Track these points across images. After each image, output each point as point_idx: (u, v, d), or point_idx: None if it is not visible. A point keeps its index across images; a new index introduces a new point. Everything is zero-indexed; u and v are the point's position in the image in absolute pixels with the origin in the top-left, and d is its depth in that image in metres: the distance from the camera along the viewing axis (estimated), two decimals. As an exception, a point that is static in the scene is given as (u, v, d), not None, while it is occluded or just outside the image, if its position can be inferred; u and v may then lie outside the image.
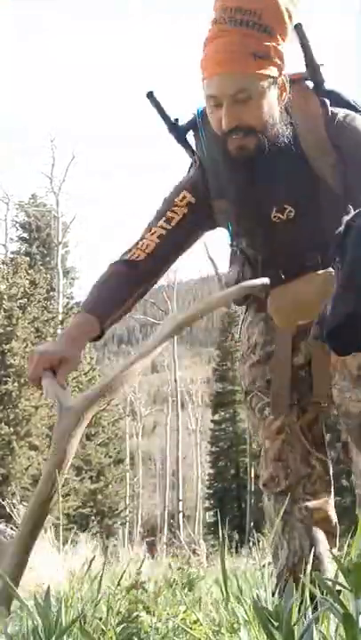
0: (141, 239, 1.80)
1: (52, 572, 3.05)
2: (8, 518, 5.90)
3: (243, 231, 1.85)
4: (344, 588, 0.84)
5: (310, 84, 1.78)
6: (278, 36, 1.63)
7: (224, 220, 1.85)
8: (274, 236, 1.76)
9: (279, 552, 1.84)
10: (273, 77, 1.64)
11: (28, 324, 15.79)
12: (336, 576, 1.03)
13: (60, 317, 19.37)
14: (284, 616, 0.83)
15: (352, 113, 1.73)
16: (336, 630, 1.10)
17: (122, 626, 1.59)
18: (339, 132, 1.69)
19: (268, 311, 1.82)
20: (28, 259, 20.25)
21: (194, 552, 6.95)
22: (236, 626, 1.46)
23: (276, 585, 1.81)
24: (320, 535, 1.82)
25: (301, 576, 1.45)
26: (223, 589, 1.70)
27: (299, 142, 1.69)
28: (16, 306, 15.61)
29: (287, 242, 1.75)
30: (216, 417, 27.36)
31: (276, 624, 0.83)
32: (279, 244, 1.76)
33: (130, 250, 1.79)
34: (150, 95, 1.85)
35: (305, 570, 1.51)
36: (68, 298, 24.78)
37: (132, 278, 1.78)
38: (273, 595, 1.53)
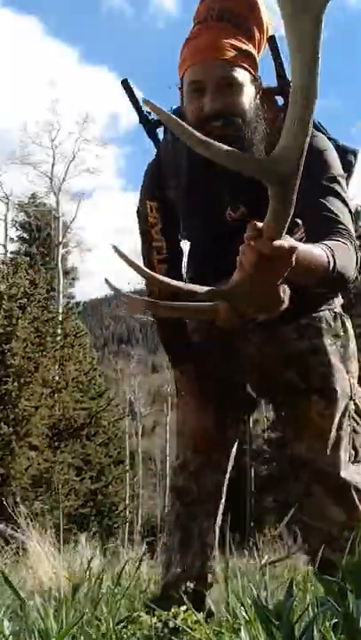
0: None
1: (51, 572, 3.05)
2: (8, 518, 5.89)
3: (194, 227, 1.86)
4: (345, 587, 0.84)
5: (280, 99, 1.83)
6: (257, 44, 1.69)
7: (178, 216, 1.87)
8: (224, 234, 1.71)
9: (171, 565, 1.87)
10: (252, 74, 1.68)
11: (28, 323, 15.77)
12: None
13: (60, 317, 19.35)
14: (284, 615, 0.83)
15: (316, 134, 1.74)
16: (336, 630, 1.10)
17: (121, 625, 1.59)
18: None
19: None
20: (28, 259, 20.23)
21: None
22: (236, 626, 1.45)
23: (161, 595, 1.84)
24: (214, 553, 1.87)
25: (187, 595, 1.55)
26: (224, 589, 1.70)
27: (261, 148, 1.68)
28: (16, 306, 15.60)
29: (236, 241, 1.77)
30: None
31: (276, 623, 0.83)
32: (229, 242, 1.76)
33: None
34: (125, 83, 1.86)
35: (194, 587, 1.58)
36: (68, 298, 24.80)
37: None
38: (157, 605, 1.57)
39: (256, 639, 1.20)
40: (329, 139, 1.80)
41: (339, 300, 1.94)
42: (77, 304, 24.75)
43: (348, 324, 1.88)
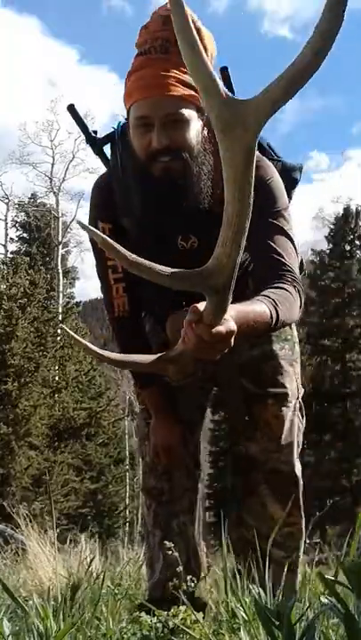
0: (111, 300, 1.92)
1: (51, 572, 3.04)
2: (8, 518, 5.89)
3: (145, 254, 1.88)
4: (345, 587, 0.84)
5: None
6: None
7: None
8: (175, 263, 1.73)
9: (155, 565, 1.90)
10: (198, 108, 1.70)
11: (28, 324, 15.77)
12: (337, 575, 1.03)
13: (60, 317, 19.36)
14: (285, 615, 0.83)
15: (257, 158, 1.77)
16: (337, 630, 1.09)
17: (121, 625, 1.58)
18: None
19: (167, 332, 1.89)
20: (28, 259, 20.25)
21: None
22: (235, 626, 1.45)
23: (149, 597, 1.86)
24: (199, 549, 1.90)
25: (174, 591, 1.58)
26: (223, 589, 1.69)
27: (208, 182, 1.72)
28: (16, 306, 15.60)
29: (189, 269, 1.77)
30: (216, 417, 27.33)
31: (277, 623, 0.83)
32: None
33: (113, 307, 1.93)
34: (70, 108, 1.94)
35: (179, 584, 1.62)
36: (68, 298, 24.78)
37: (138, 329, 1.98)
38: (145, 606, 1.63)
39: (256, 639, 1.20)
40: (273, 160, 1.87)
41: None
42: (77, 304, 24.72)
43: (294, 325, 1.98)
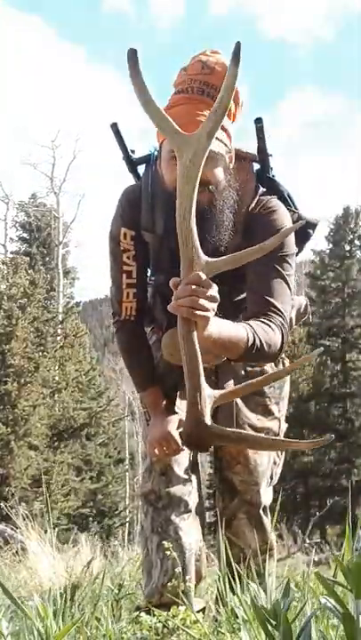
0: (120, 303, 2.02)
1: (51, 572, 3.05)
2: (7, 518, 5.90)
3: (161, 267, 2.00)
4: (344, 587, 0.84)
5: (256, 165, 2.01)
6: (232, 116, 1.87)
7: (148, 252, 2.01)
8: None
9: (152, 571, 1.92)
10: (227, 147, 1.84)
11: (28, 323, 15.77)
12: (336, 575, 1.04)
13: (60, 317, 19.35)
14: (281, 615, 0.83)
15: (276, 205, 1.93)
16: (337, 630, 1.10)
17: (121, 625, 1.59)
18: (254, 218, 1.88)
19: (162, 344, 1.96)
20: (28, 259, 20.22)
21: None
22: (235, 625, 1.46)
23: (147, 602, 1.87)
24: (193, 556, 1.92)
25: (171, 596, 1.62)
26: (223, 589, 1.70)
27: (230, 215, 1.85)
28: (16, 306, 15.60)
29: None
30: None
31: (274, 623, 0.83)
32: None
33: (121, 309, 2.02)
34: (114, 126, 2.05)
35: (175, 590, 1.66)
36: (68, 298, 24.76)
37: (141, 332, 2.08)
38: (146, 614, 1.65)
39: (256, 639, 1.20)
40: (291, 210, 1.99)
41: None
42: (77, 304, 24.70)
43: (287, 362, 2.12)
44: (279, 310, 1.80)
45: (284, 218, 1.90)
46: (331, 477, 20.88)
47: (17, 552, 4.81)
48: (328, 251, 23.28)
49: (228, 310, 1.78)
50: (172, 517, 1.96)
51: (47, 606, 1.28)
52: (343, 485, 20.15)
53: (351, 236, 23.23)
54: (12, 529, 6.11)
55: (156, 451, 1.97)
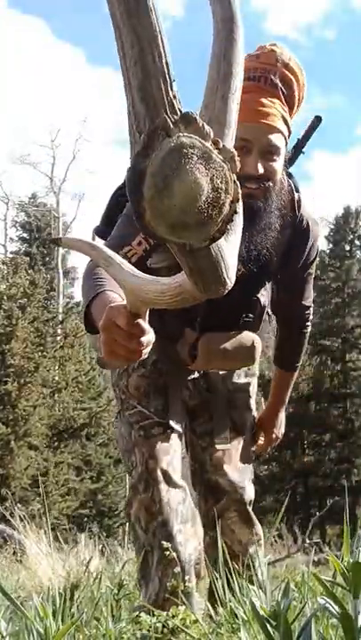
0: (121, 247, 1.68)
1: (51, 572, 3.05)
2: (7, 519, 5.89)
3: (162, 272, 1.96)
4: (343, 587, 0.84)
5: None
6: (293, 114, 1.84)
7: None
8: None
9: (149, 583, 1.84)
10: (286, 142, 1.83)
11: (28, 323, 15.77)
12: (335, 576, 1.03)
13: (60, 317, 19.35)
14: (281, 615, 0.83)
15: (313, 219, 1.99)
16: (336, 630, 1.10)
17: (121, 625, 1.59)
18: (302, 234, 1.93)
19: (196, 350, 1.92)
20: (28, 259, 20.23)
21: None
22: (235, 626, 1.45)
23: (149, 611, 1.80)
24: (193, 568, 1.86)
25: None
26: (223, 589, 1.70)
27: (276, 213, 1.82)
28: (16, 306, 15.60)
29: (228, 296, 1.61)
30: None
31: (274, 623, 0.83)
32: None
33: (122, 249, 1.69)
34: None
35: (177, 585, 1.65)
36: (68, 298, 24.80)
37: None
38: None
39: (255, 639, 1.20)
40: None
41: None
42: (77, 304, 24.71)
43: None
44: (310, 312, 2.14)
45: (319, 229, 2.03)
46: (331, 477, 20.87)
47: (15, 552, 4.81)
48: (328, 251, 23.28)
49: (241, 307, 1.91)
50: (173, 532, 1.83)
51: (46, 606, 1.27)
52: (343, 485, 20.15)
53: (351, 236, 23.23)
54: (11, 529, 6.11)
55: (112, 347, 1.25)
